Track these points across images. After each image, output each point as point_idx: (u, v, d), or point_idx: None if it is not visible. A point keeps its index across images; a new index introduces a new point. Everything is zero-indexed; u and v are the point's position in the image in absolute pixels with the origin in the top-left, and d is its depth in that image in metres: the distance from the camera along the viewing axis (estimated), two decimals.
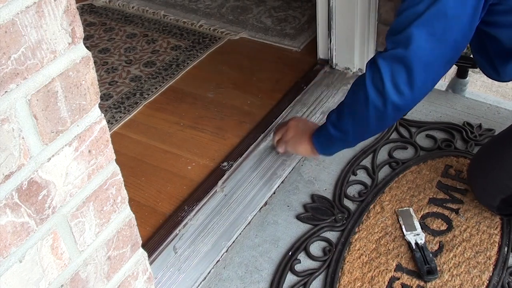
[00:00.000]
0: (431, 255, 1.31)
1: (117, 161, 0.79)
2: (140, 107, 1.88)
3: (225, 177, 1.55)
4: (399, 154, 1.62)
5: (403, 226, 1.39)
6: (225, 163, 1.60)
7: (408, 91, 1.15)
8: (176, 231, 1.40)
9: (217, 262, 1.35)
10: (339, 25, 1.83)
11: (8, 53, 0.58)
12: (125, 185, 0.82)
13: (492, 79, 1.37)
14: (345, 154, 1.63)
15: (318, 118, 1.74)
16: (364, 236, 1.38)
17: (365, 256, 1.33)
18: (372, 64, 1.19)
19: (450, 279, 1.27)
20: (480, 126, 1.69)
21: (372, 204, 1.46)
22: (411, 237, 1.36)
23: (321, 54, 1.97)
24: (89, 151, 0.73)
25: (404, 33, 1.12)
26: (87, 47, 0.68)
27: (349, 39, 1.84)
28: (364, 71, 1.23)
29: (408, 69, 1.13)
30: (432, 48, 1.13)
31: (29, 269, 0.69)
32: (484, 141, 1.62)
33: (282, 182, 1.56)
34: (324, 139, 1.38)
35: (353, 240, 1.37)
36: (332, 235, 1.40)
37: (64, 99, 0.66)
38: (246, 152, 1.63)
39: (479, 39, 1.25)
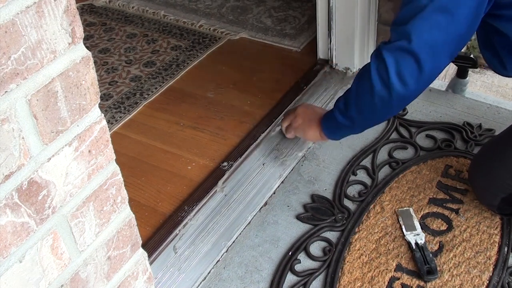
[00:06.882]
0: (431, 255, 1.31)
1: (117, 161, 0.79)
2: (140, 107, 1.88)
3: (225, 177, 1.55)
4: (399, 154, 1.62)
5: (403, 226, 1.39)
6: (225, 163, 1.60)
7: (412, 82, 1.17)
8: (176, 231, 1.40)
9: (217, 262, 1.35)
10: (339, 25, 1.83)
11: (8, 53, 0.57)
12: (125, 185, 0.82)
13: (499, 74, 1.37)
14: (345, 154, 1.63)
15: None
16: (364, 236, 1.38)
17: (365, 256, 1.33)
18: (377, 55, 1.20)
19: (450, 279, 1.27)
20: (480, 126, 1.69)
21: (372, 204, 1.46)
22: (411, 237, 1.36)
23: (321, 54, 1.96)
24: (89, 151, 0.73)
25: (408, 25, 1.14)
26: (87, 47, 0.68)
27: (349, 39, 1.84)
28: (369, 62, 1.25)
29: (412, 60, 1.15)
30: (435, 40, 1.14)
31: (29, 269, 0.69)
32: (484, 141, 1.62)
33: (282, 182, 1.56)
34: (332, 125, 1.41)
35: (353, 240, 1.37)
36: (332, 235, 1.40)
37: (64, 99, 0.66)
38: (246, 152, 1.63)
39: (485, 33, 1.26)
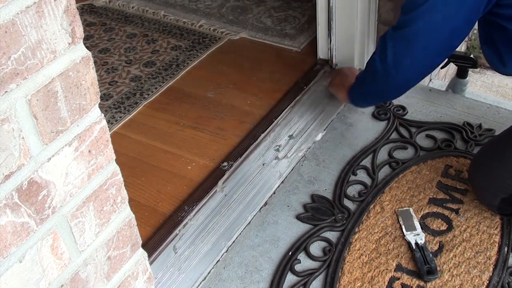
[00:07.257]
0: (431, 255, 1.31)
1: (117, 161, 0.79)
2: (140, 107, 1.88)
3: (225, 177, 1.55)
4: (399, 154, 1.62)
5: (403, 226, 1.39)
6: (225, 163, 1.60)
7: (406, 67, 1.33)
8: (176, 231, 1.40)
9: (217, 262, 1.35)
10: (339, 25, 1.83)
11: (8, 53, 0.57)
12: (125, 185, 0.82)
13: (498, 72, 1.40)
14: (345, 154, 1.63)
15: (318, 117, 1.74)
16: (364, 236, 1.38)
17: (365, 256, 1.33)
18: (382, 40, 1.36)
19: (450, 279, 1.27)
20: (480, 126, 1.69)
21: (372, 204, 1.46)
22: (411, 237, 1.36)
23: (321, 54, 1.96)
24: (89, 151, 0.73)
25: (410, 16, 1.27)
26: (87, 47, 0.68)
27: (349, 39, 1.84)
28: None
29: (409, 47, 1.30)
30: (432, 31, 1.26)
31: (29, 269, 0.69)
32: (484, 141, 1.62)
33: (282, 182, 1.56)
34: (354, 94, 1.59)
35: (353, 240, 1.37)
36: (332, 235, 1.40)
37: (64, 99, 0.66)
38: (246, 152, 1.63)
39: (487, 29, 1.31)
